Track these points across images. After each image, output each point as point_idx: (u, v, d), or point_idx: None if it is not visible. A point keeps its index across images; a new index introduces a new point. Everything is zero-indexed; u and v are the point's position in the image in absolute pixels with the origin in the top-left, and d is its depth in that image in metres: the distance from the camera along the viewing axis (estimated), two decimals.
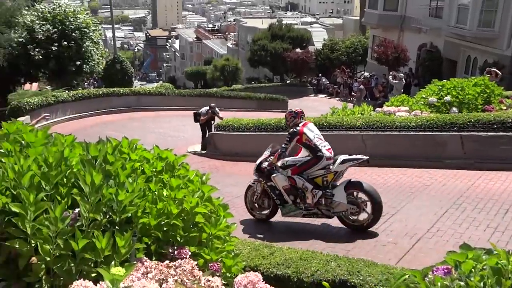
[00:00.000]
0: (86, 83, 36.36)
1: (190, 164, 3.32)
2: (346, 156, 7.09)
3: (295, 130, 7.31)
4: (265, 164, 7.61)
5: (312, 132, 7.32)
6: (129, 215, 2.48)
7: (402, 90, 23.09)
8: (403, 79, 24.82)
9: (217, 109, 14.72)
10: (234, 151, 12.98)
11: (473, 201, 7.90)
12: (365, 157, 6.99)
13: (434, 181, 9.25)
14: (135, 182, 2.55)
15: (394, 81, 24.16)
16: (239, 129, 12.91)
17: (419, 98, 13.49)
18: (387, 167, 10.32)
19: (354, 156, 7.07)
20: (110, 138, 2.96)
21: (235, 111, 22.31)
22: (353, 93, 29.43)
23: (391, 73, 25.74)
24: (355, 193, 7.01)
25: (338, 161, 7.07)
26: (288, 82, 39.97)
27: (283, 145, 7.34)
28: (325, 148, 7.23)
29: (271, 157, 7.56)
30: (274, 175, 7.37)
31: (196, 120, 14.83)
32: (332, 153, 7.23)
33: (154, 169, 3.00)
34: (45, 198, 2.35)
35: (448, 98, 12.56)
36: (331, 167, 7.11)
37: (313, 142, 7.19)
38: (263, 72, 48.53)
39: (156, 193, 2.70)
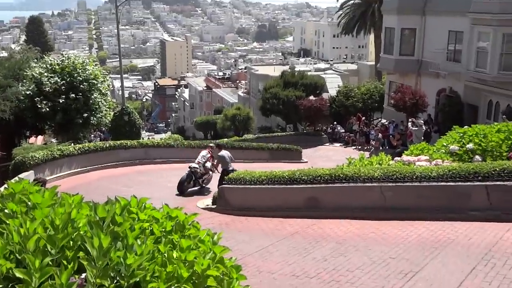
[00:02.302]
0: (92, 135, 36.92)
1: (199, 220, 3.34)
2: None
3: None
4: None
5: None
6: (138, 279, 2.47)
7: (422, 138, 23.09)
8: (423, 126, 24.86)
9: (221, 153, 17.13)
10: (246, 205, 12.94)
11: (503, 256, 7.73)
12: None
13: (459, 234, 9.10)
14: (144, 244, 2.56)
15: (413, 128, 24.20)
16: (250, 182, 12.91)
17: (439, 146, 13.47)
18: (408, 220, 10.20)
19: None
20: (118, 197, 2.99)
21: (246, 163, 22.38)
22: (371, 142, 29.48)
23: (410, 119, 25.81)
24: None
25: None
26: (301, 131, 40.27)
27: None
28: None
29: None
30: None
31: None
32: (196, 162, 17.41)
33: (163, 230, 3.01)
34: (50, 263, 2.35)
35: (470, 145, 12.52)
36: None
37: None
38: (275, 121, 49.01)
39: (166, 255, 2.70)
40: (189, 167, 17.05)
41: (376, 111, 39.51)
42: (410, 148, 14.79)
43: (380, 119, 37.97)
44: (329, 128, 37.61)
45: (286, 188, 12.13)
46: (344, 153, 26.90)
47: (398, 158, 13.48)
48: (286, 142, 31.06)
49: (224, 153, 17.06)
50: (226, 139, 35.72)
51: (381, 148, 26.60)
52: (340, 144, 34.65)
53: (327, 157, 28.89)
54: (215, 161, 17.72)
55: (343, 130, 35.90)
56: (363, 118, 34.76)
